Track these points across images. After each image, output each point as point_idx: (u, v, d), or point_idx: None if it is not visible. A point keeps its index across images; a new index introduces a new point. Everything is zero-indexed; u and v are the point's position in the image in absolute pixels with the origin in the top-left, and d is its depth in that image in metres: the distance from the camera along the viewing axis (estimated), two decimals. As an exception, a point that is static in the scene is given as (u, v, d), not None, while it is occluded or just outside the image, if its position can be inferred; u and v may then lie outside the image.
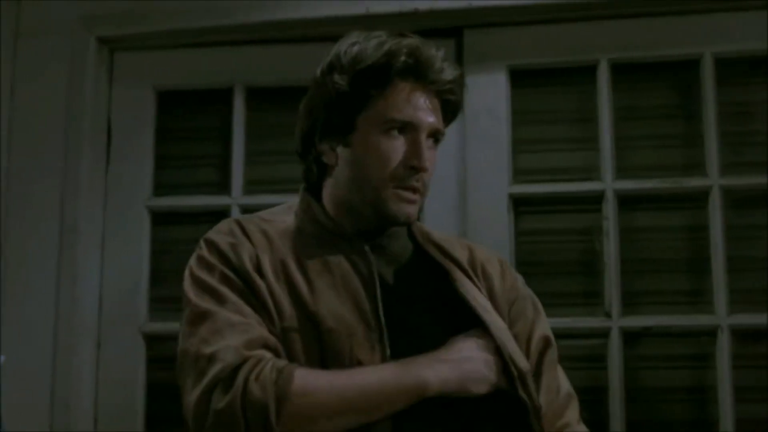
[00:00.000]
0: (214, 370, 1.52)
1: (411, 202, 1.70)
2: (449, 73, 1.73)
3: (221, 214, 2.85)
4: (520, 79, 2.83)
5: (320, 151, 1.75)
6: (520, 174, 2.80)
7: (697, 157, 2.74)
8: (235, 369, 1.51)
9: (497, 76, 2.79)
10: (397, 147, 1.68)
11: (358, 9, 2.79)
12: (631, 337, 2.69)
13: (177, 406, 2.86)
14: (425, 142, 1.70)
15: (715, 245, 2.67)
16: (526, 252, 2.76)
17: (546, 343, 1.82)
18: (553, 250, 2.78)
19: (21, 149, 2.87)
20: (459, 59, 2.82)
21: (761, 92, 2.77)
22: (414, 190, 1.70)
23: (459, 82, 1.76)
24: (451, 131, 2.75)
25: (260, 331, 1.58)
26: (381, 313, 1.63)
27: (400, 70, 1.68)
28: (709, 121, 2.71)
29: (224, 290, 1.63)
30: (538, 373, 1.77)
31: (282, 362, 1.54)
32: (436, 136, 1.74)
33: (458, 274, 1.77)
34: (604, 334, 2.67)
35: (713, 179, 2.69)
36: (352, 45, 1.71)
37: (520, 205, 2.78)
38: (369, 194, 1.70)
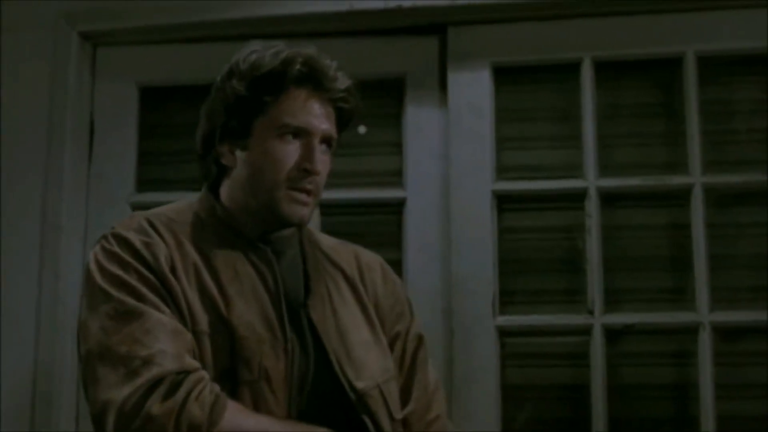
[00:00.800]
0: (150, 374, 1.55)
1: (303, 203, 1.77)
2: (342, 82, 1.81)
3: (204, 210, 2.86)
4: (504, 76, 2.83)
5: (219, 153, 1.82)
6: (503, 171, 2.80)
7: (679, 155, 2.75)
8: (177, 379, 1.56)
9: (481, 74, 2.79)
10: (290, 151, 1.76)
11: (342, 6, 2.79)
12: (613, 335, 2.70)
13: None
14: (318, 147, 1.78)
15: (697, 243, 2.68)
16: (509, 249, 2.76)
17: (420, 342, 1.97)
18: (536, 248, 2.78)
19: (3, 145, 2.86)
20: (443, 56, 2.82)
21: (743, 91, 2.79)
22: (307, 192, 1.77)
23: (351, 91, 1.84)
24: (434, 129, 2.80)
25: (189, 336, 1.64)
26: (286, 322, 1.72)
27: (295, 78, 1.76)
28: (692, 120, 2.72)
29: (143, 290, 1.65)
30: (412, 370, 1.93)
31: (217, 387, 1.60)
32: (329, 141, 1.81)
33: (330, 289, 1.86)
34: (587, 331, 2.68)
35: (695, 177, 2.70)
36: (251, 53, 1.80)
37: (503, 202, 2.79)
38: (263, 196, 1.77)
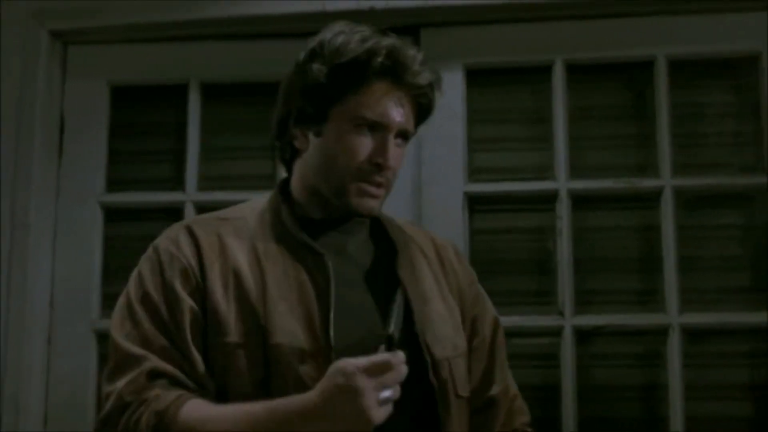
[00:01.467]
0: (103, 412, 1.62)
1: (373, 196, 1.75)
2: (425, 77, 1.77)
3: (175, 210, 2.85)
4: (477, 78, 2.84)
5: (293, 136, 1.79)
6: (475, 173, 2.81)
7: (649, 158, 2.76)
8: (118, 415, 1.58)
9: (454, 75, 2.79)
10: (365, 143, 1.72)
11: (315, 6, 2.78)
12: (583, 336, 2.71)
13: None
14: (392, 141, 1.74)
15: (666, 245, 2.69)
16: (480, 250, 2.77)
17: (497, 324, 1.96)
18: (508, 249, 2.79)
19: (-28, 143, 2.84)
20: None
21: (713, 94, 2.81)
22: (378, 185, 1.75)
23: (432, 87, 1.80)
24: (407, 129, 2.79)
25: (152, 363, 1.61)
26: (332, 332, 1.64)
27: (378, 70, 1.71)
28: (662, 123, 2.74)
29: (141, 312, 1.66)
30: (493, 351, 1.91)
31: (166, 402, 1.57)
32: (405, 135, 1.78)
33: (413, 260, 1.83)
34: (557, 332, 2.69)
35: (665, 180, 2.71)
36: (336, 35, 1.74)
37: (475, 203, 2.79)
38: (333, 183, 1.74)
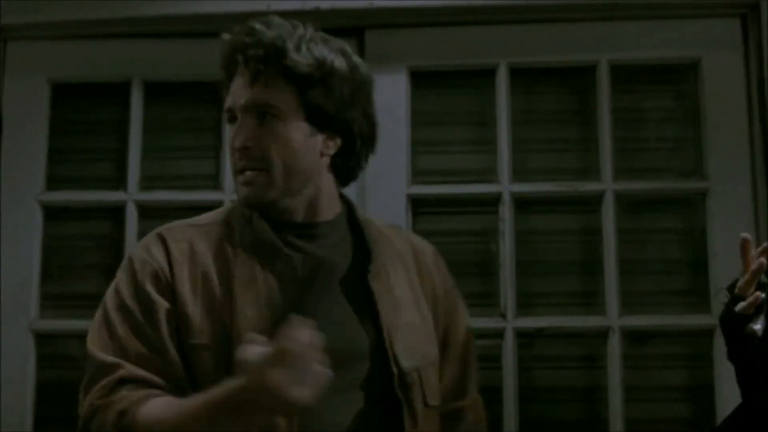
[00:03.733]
0: (79, 424, 1.64)
1: (248, 182, 1.71)
2: (267, 38, 1.75)
3: (116, 209, 2.82)
4: (421, 80, 2.84)
5: None
6: (418, 175, 2.81)
7: (591, 162, 2.79)
8: (89, 422, 1.60)
9: (398, 77, 2.80)
10: (231, 135, 1.74)
11: (260, 6, 2.75)
12: (525, 338, 2.72)
13: (67, 406, 2.81)
14: (246, 120, 1.71)
15: (607, 248, 2.72)
16: (423, 252, 2.77)
17: (470, 334, 1.93)
18: (450, 251, 2.75)
19: None
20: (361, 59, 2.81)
21: (654, 99, 2.84)
22: (244, 170, 1.71)
23: (282, 47, 1.74)
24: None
25: (124, 371, 1.61)
26: None
27: (233, 58, 1.75)
28: (604, 127, 2.76)
29: (117, 320, 1.66)
30: (465, 361, 1.89)
31: (129, 401, 1.57)
32: (265, 110, 1.70)
33: (388, 266, 1.79)
34: (499, 334, 2.70)
35: (607, 183, 2.74)
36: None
37: (418, 205, 2.80)
38: None
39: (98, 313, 1.71)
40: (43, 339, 2.79)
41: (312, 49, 1.74)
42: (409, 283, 1.82)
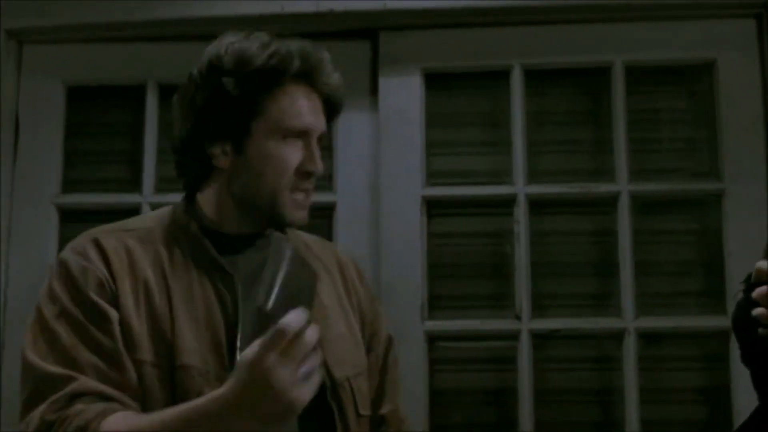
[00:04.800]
0: None
1: (305, 206, 1.72)
2: (337, 77, 1.75)
3: (131, 212, 2.81)
4: (435, 82, 2.84)
5: (211, 155, 1.70)
6: (432, 177, 2.81)
7: (606, 163, 2.78)
8: None
9: (412, 79, 2.80)
10: (293, 153, 1.68)
11: (274, 8, 2.77)
12: (540, 340, 2.72)
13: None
14: (316, 145, 1.72)
15: (622, 249, 2.71)
16: (438, 254, 2.77)
17: (390, 342, 1.92)
18: (465, 253, 2.80)
19: (-76, 143, 2.80)
20: (374, 61, 2.82)
21: (669, 100, 2.83)
22: (307, 194, 1.72)
23: (342, 86, 1.78)
24: (365, 133, 2.79)
25: (78, 383, 1.53)
26: (238, 354, 1.58)
27: (293, 75, 1.68)
28: (619, 128, 2.75)
29: (60, 330, 1.58)
30: (384, 370, 1.87)
31: (88, 416, 1.48)
32: (321, 137, 1.74)
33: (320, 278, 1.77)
34: (514, 336, 2.69)
35: (622, 185, 2.73)
36: (231, 44, 1.69)
37: (432, 207, 2.79)
38: (266, 199, 1.69)
39: (33, 323, 1.61)
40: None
41: (340, 81, 1.78)
42: (337, 294, 1.82)
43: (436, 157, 2.82)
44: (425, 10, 2.77)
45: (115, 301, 1.60)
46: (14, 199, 2.84)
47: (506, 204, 2.76)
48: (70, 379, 1.53)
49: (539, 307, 2.73)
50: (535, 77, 2.82)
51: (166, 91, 2.89)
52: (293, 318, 1.40)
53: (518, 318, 2.70)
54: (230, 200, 1.72)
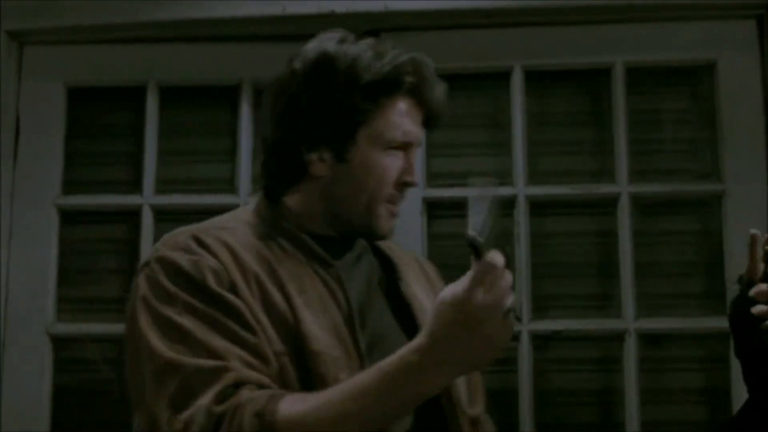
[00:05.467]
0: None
1: (395, 216, 1.68)
2: (441, 90, 1.69)
3: (132, 213, 2.83)
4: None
5: (308, 161, 1.63)
6: (433, 178, 2.81)
7: (606, 164, 2.78)
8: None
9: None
10: (394, 164, 1.64)
11: (275, 9, 2.77)
12: (540, 341, 2.72)
13: (83, 410, 2.84)
14: (411, 154, 1.68)
15: (623, 251, 2.71)
16: (438, 255, 2.76)
17: None
18: (465, 254, 2.74)
19: (-75, 144, 2.80)
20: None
21: (670, 101, 2.84)
22: (397, 205, 1.68)
23: (445, 99, 1.72)
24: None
25: (235, 373, 1.43)
26: (362, 345, 1.55)
27: (406, 88, 1.63)
28: (619, 129, 2.75)
29: (189, 325, 1.48)
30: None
31: (261, 402, 1.39)
32: (417, 144, 1.70)
33: (408, 277, 1.75)
34: (515, 337, 2.69)
35: (622, 186, 2.73)
36: (343, 46, 1.63)
37: (433, 208, 2.79)
38: (363, 209, 1.64)
39: (151, 325, 1.50)
40: (59, 342, 2.80)
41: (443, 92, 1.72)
42: (425, 291, 1.76)
43: (437, 158, 2.82)
44: (426, 12, 2.77)
45: (234, 292, 1.51)
46: (15, 200, 2.84)
47: (507, 205, 2.75)
48: (225, 370, 1.43)
49: (539, 309, 2.72)
50: (535, 78, 2.82)
51: (166, 93, 2.90)
52: (497, 255, 1.39)
53: (519, 319, 2.69)
54: (320, 208, 1.66)
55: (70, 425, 2.76)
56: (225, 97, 2.88)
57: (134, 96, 2.90)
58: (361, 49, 1.62)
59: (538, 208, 2.77)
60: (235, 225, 1.66)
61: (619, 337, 2.69)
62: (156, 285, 1.53)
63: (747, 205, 2.68)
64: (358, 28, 2.76)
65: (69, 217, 2.88)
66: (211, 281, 1.51)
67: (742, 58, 2.74)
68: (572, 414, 2.74)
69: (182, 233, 1.60)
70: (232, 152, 2.85)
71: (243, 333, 1.48)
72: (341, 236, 1.69)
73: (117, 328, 2.75)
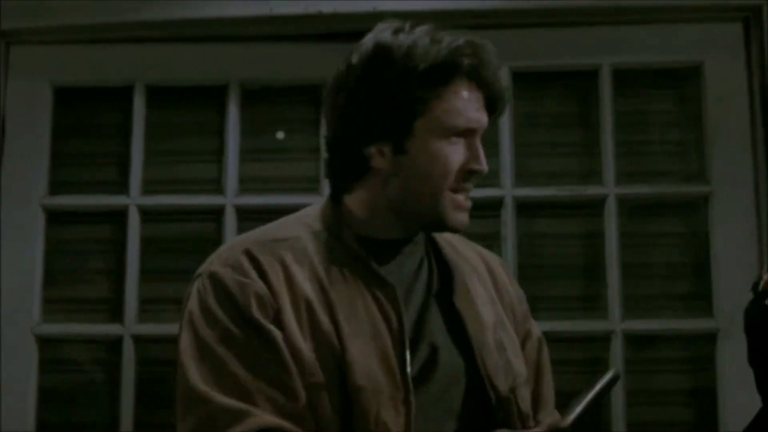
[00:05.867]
0: None
1: (467, 208, 1.61)
2: (500, 72, 1.63)
3: (119, 213, 2.82)
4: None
5: (369, 155, 1.58)
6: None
7: (594, 166, 2.79)
8: None
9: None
10: (457, 152, 1.57)
11: (262, 9, 2.77)
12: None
13: (69, 411, 2.83)
14: (480, 143, 1.60)
15: (610, 252, 2.72)
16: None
17: (542, 342, 1.82)
18: None
19: None
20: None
21: (657, 103, 2.84)
22: (467, 195, 1.60)
23: (505, 81, 1.68)
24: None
25: (259, 419, 1.42)
26: (408, 371, 1.50)
27: (464, 72, 1.56)
28: (606, 131, 2.76)
29: (225, 355, 1.47)
30: (541, 372, 1.77)
31: None
32: (481, 131, 1.62)
33: (467, 281, 1.68)
34: (502, 338, 2.69)
35: (609, 187, 2.74)
36: (406, 38, 1.58)
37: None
38: (427, 201, 1.58)
39: (190, 344, 1.50)
40: (45, 343, 2.79)
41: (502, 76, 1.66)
42: (489, 297, 1.70)
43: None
44: (415, 13, 2.74)
45: (278, 319, 1.49)
46: (1, 200, 2.83)
47: (494, 206, 2.76)
48: (247, 414, 1.42)
49: (527, 310, 2.73)
50: (523, 80, 2.82)
51: (153, 93, 2.89)
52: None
53: (506, 321, 2.69)
54: (385, 203, 1.61)
55: (56, 426, 2.75)
56: (212, 97, 2.87)
57: (121, 96, 2.89)
58: (417, 36, 1.58)
59: (526, 209, 2.78)
60: (297, 233, 1.61)
61: (605, 338, 2.69)
62: (203, 303, 1.52)
63: (733, 207, 2.69)
64: (346, 29, 2.79)
65: (55, 218, 2.86)
66: (255, 309, 1.48)
67: (728, 61, 2.75)
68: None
69: (237, 245, 1.58)
70: (219, 152, 2.85)
71: (278, 370, 1.46)
72: (406, 238, 1.64)
73: (103, 328, 2.77)
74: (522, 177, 2.78)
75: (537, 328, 1.81)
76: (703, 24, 2.76)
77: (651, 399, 2.71)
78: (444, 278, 1.66)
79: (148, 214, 2.83)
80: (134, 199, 2.82)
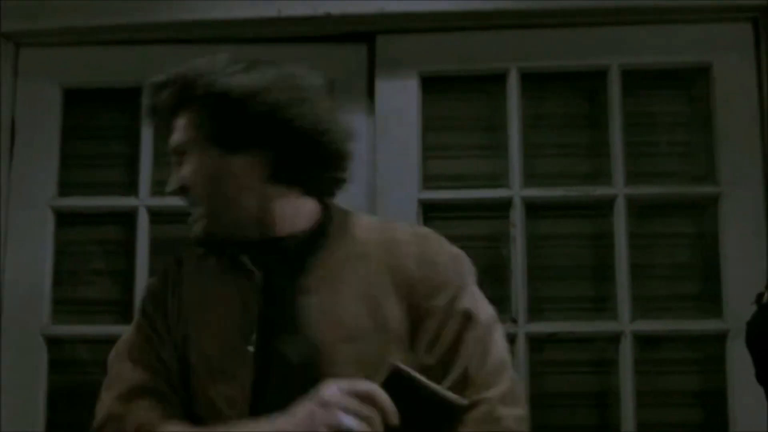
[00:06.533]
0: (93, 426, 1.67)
1: (193, 222, 1.71)
2: (168, 89, 1.78)
3: (128, 215, 2.83)
4: (431, 85, 2.84)
5: None
6: (429, 180, 2.81)
7: (602, 166, 2.78)
8: (100, 428, 1.64)
9: (408, 82, 2.79)
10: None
11: (270, 11, 2.77)
12: (536, 343, 2.72)
13: (79, 412, 2.83)
14: (175, 164, 1.72)
15: (619, 253, 2.71)
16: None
17: (465, 319, 1.67)
18: None
19: None
20: (371, 64, 2.82)
21: (665, 103, 2.84)
22: (191, 209, 1.71)
23: (181, 80, 1.79)
24: (362, 136, 2.78)
25: (141, 377, 1.64)
26: (251, 349, 1.60)
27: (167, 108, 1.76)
28: (615, 131, 2.76)
29: (135, 336, 1.71)
30: (452, 348, 1.62)
31: (142, 422, 1.59)
32: (183, 149, 1.71)
33: (325, 278, 1.68)
34: (511, 339, 2.69)
35: (618, 188, 2.73)
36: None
37: (429, 210, 2.79)
38: None
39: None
40: (54, 344, 2.80)
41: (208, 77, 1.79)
42: (362, 293, 1.64)
43: (433, 160, 2.82)
44: (422, 14, 2.77)
45: (165, 313, 1.74)
46: (10, 201, 2.84)
47: (502, 207, 2.76)
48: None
49: (535, 311, 2.72)
50: (531, 80, 2.82)
51: (162, 95, 2.89)
52: (390, 406, 1.42)
53: (515, 321, 2.69)
54: None
55: (66, 427, 2.76)
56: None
57: (130, 97, 2.89)
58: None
59: (534, 210, 2.77)
60: None
61: (614, 339, 2.69)
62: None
63: (742, 208, 2.68)
64: (354, 30, 2.80)
65: (64, 219, 2.87)
66: (149, 303, 1.74)
67: (737, 61, 2.75)
68: (568, 416, 2.74)
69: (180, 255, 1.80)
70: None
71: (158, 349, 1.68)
72: (269, 240, 1.69)
73: (112, 329, 2.77)
74: (530, 178, 2.78)
75: (463, 304, 1.66)
76: (712, 24, 2.76)
77: (660, 400, 2.70)
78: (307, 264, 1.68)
79: (157, 216, 2.83)
80: (143, 201, 2.83)
